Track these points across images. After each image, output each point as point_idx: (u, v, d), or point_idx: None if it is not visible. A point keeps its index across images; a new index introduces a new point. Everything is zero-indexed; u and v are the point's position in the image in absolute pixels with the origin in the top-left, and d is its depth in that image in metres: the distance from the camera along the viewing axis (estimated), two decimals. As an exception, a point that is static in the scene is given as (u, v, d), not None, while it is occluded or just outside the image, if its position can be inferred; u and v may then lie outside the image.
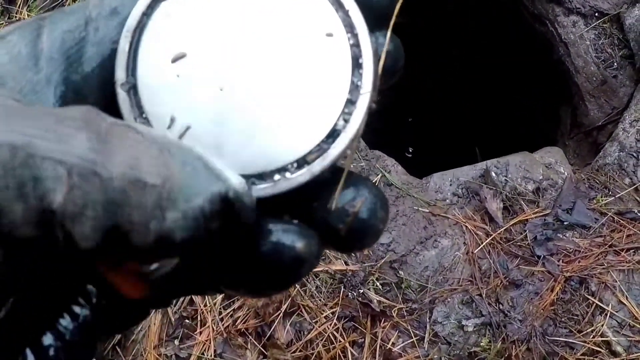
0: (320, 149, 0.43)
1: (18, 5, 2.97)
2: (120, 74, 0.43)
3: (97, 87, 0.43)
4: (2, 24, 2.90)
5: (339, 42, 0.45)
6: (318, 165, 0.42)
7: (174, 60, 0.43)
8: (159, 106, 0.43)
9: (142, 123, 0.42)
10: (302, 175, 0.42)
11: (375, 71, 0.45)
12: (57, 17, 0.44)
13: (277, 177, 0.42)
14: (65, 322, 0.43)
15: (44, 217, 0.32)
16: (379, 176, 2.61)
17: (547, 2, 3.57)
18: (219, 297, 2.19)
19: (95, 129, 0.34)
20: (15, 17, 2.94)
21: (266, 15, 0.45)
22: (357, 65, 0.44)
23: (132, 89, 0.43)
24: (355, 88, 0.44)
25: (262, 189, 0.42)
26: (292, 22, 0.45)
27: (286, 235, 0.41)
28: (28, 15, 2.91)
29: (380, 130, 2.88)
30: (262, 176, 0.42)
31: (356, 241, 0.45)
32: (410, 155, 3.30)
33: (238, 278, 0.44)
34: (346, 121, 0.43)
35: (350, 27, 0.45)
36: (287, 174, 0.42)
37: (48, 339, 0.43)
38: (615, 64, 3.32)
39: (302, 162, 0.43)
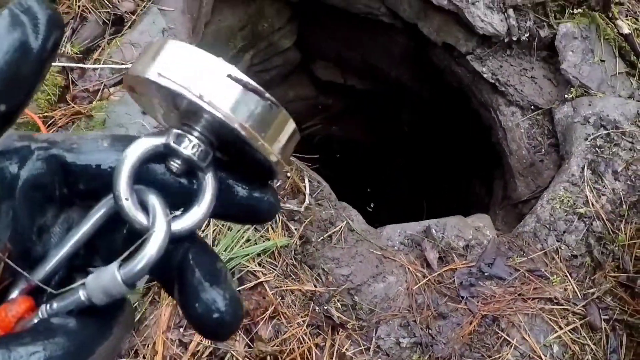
0: None
1: (63, 40, 3.16)
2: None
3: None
4: (48, 55, 3.27)
5: None
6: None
7: None
8: None
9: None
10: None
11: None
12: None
13: None
14: None
15: None
16: (344, 222, 3.05)
17: (493, 93, 4.00)
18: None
19: None
20: (60, 50, 3.28)
21: None
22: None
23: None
24: None
25: None
26: None
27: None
28: (71, 49, 3.30)
29: (344, 192, 3.36)
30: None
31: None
32: (370, 210, 3.56)
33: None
34: None
35: None
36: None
37: None
38: (543, 150, 3.76)
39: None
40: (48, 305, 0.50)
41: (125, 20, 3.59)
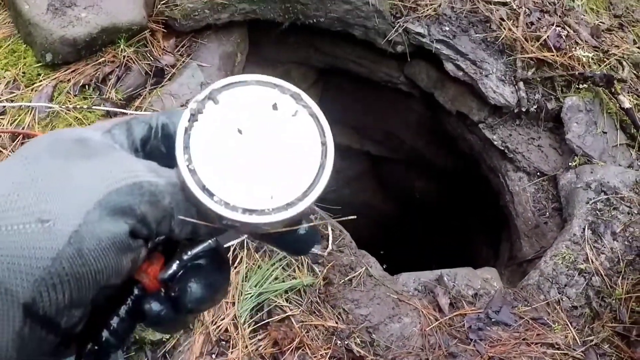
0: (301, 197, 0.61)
1: (108, 86, 3.55)
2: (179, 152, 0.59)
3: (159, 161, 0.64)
4: (94, 97, 3.46)
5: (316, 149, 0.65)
6: (302, 205, 0.60)
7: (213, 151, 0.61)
8: (206, 166, 0.60)
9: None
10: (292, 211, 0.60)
11: (330, 172, 0.62)
12: (135, 123, 0.68)
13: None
14: (113, 321, 0.64)
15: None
16: (364, 268, 3.23)
17: (502, 159, 4.16)
18: (248, 329, 2.87)
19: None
20: (105, 95, 3.50)
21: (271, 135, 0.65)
22: (324, 159, 0.64)
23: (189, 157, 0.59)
24: (321, 170, 0.62)
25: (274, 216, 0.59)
26: (290, 134, 0.66)
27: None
28: (115, 95, 3.51)
29: (359, 246, 3.47)
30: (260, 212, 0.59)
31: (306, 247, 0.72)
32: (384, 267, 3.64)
33: None
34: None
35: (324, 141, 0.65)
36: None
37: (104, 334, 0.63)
38: (547, 213, 3.89)
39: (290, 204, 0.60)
40: (184, 255, 0.65)
41: (166, 72, 3.83)
